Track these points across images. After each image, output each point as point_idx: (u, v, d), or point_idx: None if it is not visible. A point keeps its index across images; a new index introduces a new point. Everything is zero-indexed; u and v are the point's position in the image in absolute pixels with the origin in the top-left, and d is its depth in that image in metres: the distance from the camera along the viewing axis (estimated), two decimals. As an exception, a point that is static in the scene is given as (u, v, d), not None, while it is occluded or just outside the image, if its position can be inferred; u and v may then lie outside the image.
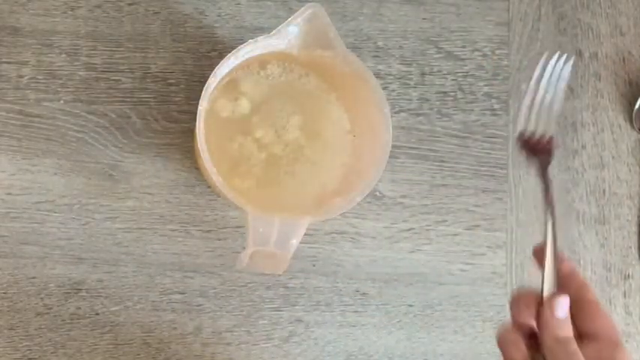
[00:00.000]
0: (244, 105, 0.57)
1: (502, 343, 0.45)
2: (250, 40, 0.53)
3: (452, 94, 0.64)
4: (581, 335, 0.44)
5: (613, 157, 0.65)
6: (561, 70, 0.50)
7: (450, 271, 0.62)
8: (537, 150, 0.49)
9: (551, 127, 0.50)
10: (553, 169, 0.64)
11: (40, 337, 0.58)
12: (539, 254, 0.46)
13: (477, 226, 0.62)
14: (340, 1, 0.63)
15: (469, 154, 0.63)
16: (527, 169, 0.64)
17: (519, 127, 0.49)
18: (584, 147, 0.65)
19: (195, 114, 0.52)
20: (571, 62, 0.50)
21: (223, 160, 0.56)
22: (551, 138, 0.49)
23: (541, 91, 0.50)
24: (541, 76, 0.50)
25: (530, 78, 0.50)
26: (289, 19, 0.53)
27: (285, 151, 0.57)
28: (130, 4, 0.61)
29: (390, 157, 0.55)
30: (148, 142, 0.60)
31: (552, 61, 0.50)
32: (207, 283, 0.59)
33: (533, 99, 0.50)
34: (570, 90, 0.65)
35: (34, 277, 0.58)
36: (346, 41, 0.60)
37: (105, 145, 0.59)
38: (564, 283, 0.45)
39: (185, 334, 0.59)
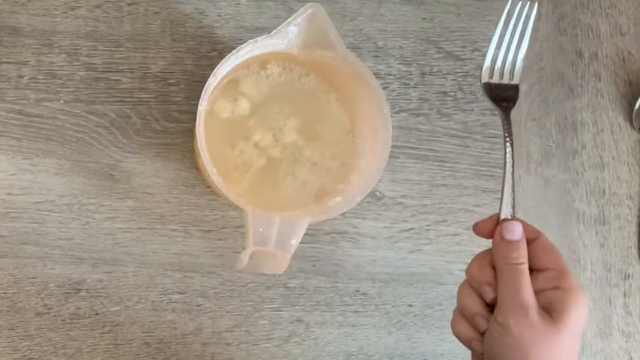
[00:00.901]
0: (244, 106, 0.57)
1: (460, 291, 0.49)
2: (250, 40, 0.53)
3: (452, 94, 0.64)
4: (533, 270, 0.47)
5: (613, 157, 0.65)
6: (526, 15, 0.52)
7: (449, 271, 0.62)
8: (501, 95, 0.51)
9: (516, 73, 0.51)
10: (553, 169, 0.64)
11: (40, 337, 0.58)
12: (480, 229, 0.49)
13: (477, 226, 0.62)
14: (340, 1, 0.63)
15: (469, 154, 0.63)
16: (526, 169, 0.64)
17: (484, 73, 0.51)
18: (584, 147, 0.65)
19: (195, 114, 0.52)
20: (535, 6, 0.52)
21: (223, 161, 0.56)
22: (515, 85, 0.51)
23: (507, 37, 0.51)
24: (507, 22, 0.52)
25: (496, 24, 0.52)
26: (289, 19, 0.53)
27: (285, 153, 0.57)
28: (130, 4, 0.61)
29: (390, 157, 0.55)
30: (147, 142, 0.60)
31: (517, 7, 0.52)
32: (207, 283, 0.59)
33: (499, 45, 0.51)
34: (570, 90, 0.65)
35: (34, 277, 0.58)
36: (346, 41, 0.60)
37: (105, 145, 0.59)
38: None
39: (185, 334, 0.59)
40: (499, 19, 0.52)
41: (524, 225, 0.48)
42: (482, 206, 0.63)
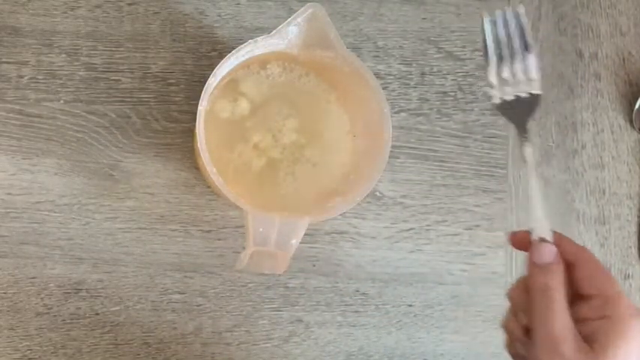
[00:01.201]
0: (244, 106, 0.57)
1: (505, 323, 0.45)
2: (250, 40, 0.53)
3: (452, 94, 0.64)
4: (580, 297, 0.43)
5: (613, 157, 0.65)
6: (516, 23, 0.47)
7: (449, 271, 0.62)
8: (516, 110, 0.46)
9: (534, 82, 0.46)
10: (553, 169, 0.64)
11: (40, 337, 0.58)
12: (515, 240, 0.46)
13: (477, 226, 0.62)
14: (340, 1, 0.63)
15: (469, 154, 0.63)
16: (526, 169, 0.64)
17: (498, 96, 0.46)
18: (584, 147, 0.65)
19: (195, 114, 0.52)
20: (523, 11, 0.47)
21: (223, 161, 0.56)
22: (533, 95, 0.46)
23: (505, 51, 0.46)
24: (495, 37, 0.47)
25: (484, 45, 0.47)
26: (289, 19, 0.53)
27: (284, 154, 0.57)
28: (130, 4, 0.61)
29: (390, 157, 0.55)
30: (147, 142, 0.60)
31: (500, 20, 0.47)
32: (207, 283, 0.59)
33: (500, 62, 0.46)
34: (570, 90, 0.65)
35: (34, 277, 0.58)
36: (346, 41, 0.60)
37: (105, 145, 0.59)
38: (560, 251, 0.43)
39: (185, 334, 0.59)
40: (484, 41, 0.47)
41: (567, 244, 0.44)
42: (483, 206, 0.63)
